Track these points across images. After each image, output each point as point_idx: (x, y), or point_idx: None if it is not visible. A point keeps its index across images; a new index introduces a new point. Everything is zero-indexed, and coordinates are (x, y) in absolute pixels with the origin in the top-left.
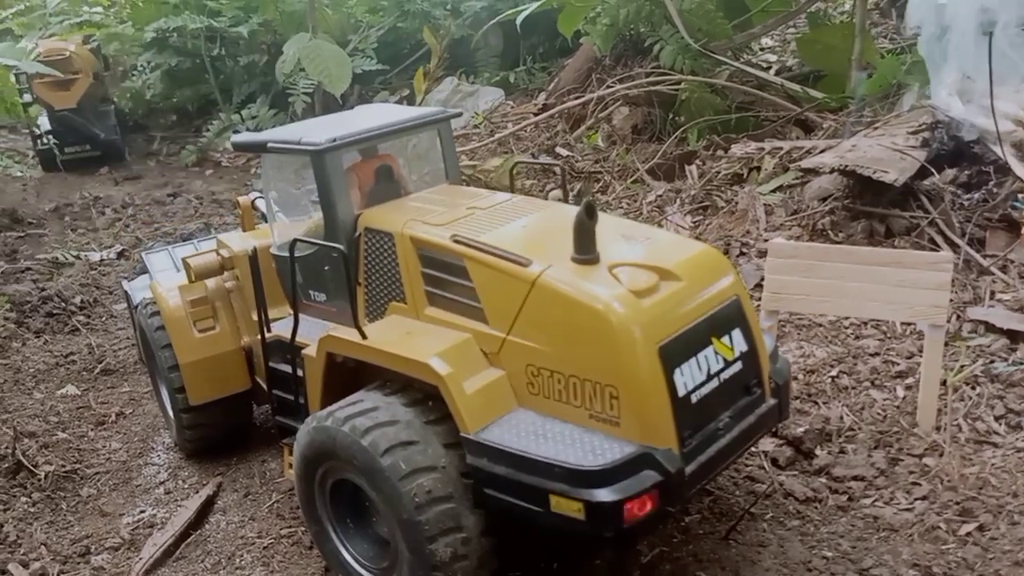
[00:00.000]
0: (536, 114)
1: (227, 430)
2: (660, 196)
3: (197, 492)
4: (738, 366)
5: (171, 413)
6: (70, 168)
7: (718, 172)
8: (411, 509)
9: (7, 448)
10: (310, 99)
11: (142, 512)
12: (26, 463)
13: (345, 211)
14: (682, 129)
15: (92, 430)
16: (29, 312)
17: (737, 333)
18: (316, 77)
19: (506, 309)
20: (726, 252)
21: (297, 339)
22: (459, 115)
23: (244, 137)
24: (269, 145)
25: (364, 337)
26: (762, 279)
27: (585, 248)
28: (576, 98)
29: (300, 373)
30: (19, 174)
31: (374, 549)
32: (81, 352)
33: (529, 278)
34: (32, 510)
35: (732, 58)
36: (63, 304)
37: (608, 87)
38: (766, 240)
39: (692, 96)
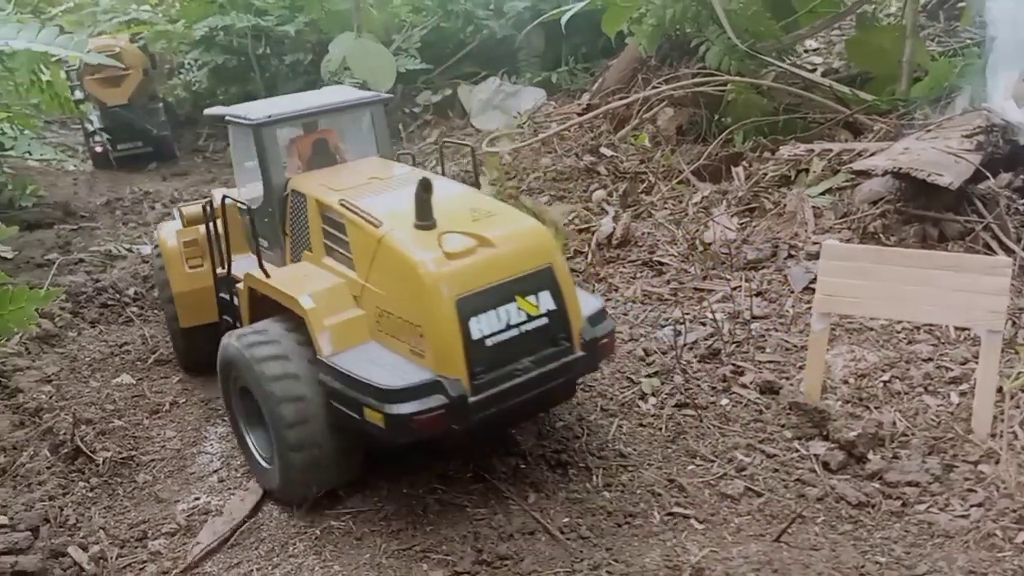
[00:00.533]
0: (580, 114)
1: (210, 354)
2: (706, 197)
3: (249, 480)
4: (543, 321)
5: (171, 336)
6: (122, 165)
7: (765, 174)
8: (275, 405)
9: (66, 434)
10: (394, 95)
11: (196, 499)
12: (84, 449)
13: (278, 175)
14: (728, 131)
15: (147, 418)
16: (84, 303)
17: (545, 294)
18: (361, 76)
19: (365, 261)
20: (774, 254)
21: (235, 275)
22: (390, 99)
23: (213, 110)
24: (226, 118)
25: (267, 276)
26: (812, 281)
27: (423, 216)
28: (620, 98)
29: (236, 302)
30: (72, 168)
31: (264, 439)
32: (135, 342)
33: (377, 236)
34: (90, 495)
35: (777, 59)
36: (117, 295)
37: (654, 88)
38: (815, 243)
39: (739, 97)
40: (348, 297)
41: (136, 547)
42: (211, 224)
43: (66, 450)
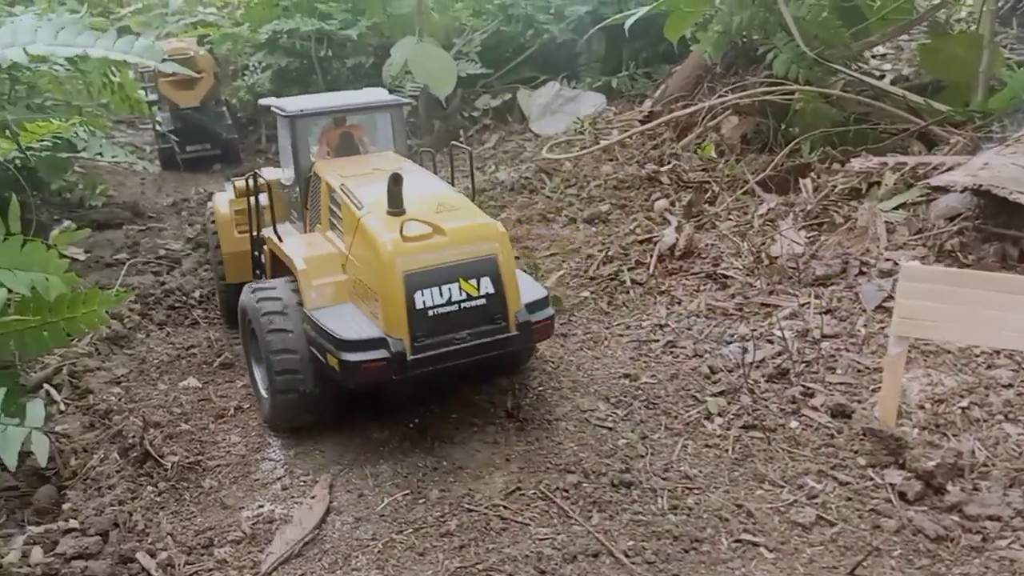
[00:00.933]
0: (642, 121)
1: None
2: (772, 209)
3: (312, 488)
4: (482, 301)
5: (217, 290)
6: (189, 166)
7: (834, 186)
8: (270, 350)
9: (135, 437)
10: (415, 101)
11: (261, 507)
12: (153, 453)
13: (305, 159)
14: (795, 140)
15: (212, 422)
16: (152, 304)
17: (486, 280)
18: (422, 80)
19: (350, 236)
20: (844, 271)
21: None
22: (408, 104)
23: (265, 101)
24: (271, 108)
25: (280, 240)
26: (885, 300)
27: (394, 204)
28: (684, 106)
29: (263, 259)
30: (139, 169)
31: (262, 374)
32: (201, 345)
33: (357, 217)
34: (158, 499)
35: (846, 67)
36: (183, 298)
37: (720, 96)
38: (888, 260)
39: (807, 106)
40: (336, 265)
41: (203, 555)
42: (252, 196)
43: (135, 454)
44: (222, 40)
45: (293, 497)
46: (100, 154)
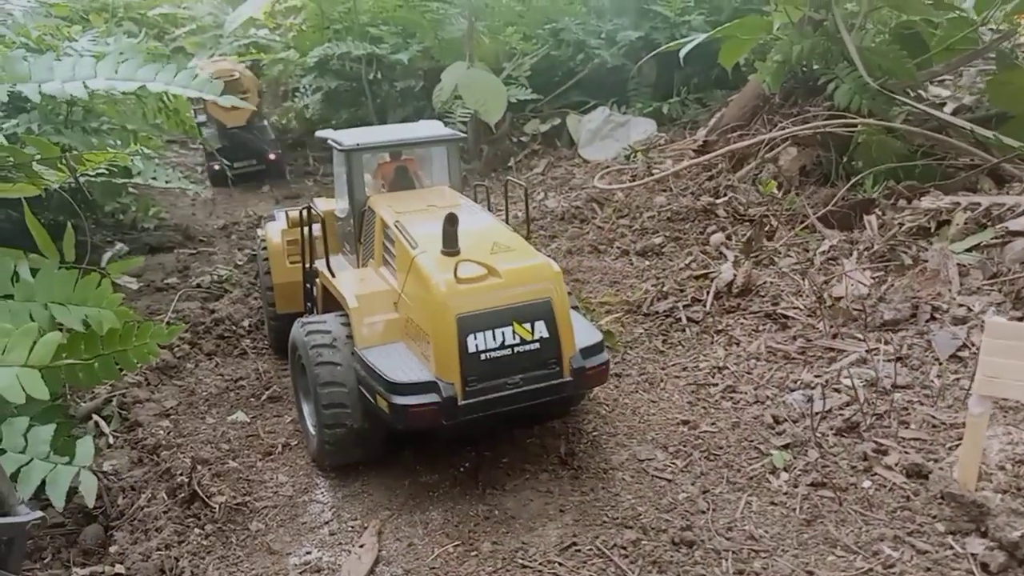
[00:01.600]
0: (696, 152)
1: None
2: (834, 247)
3: (360, 535)
4: (535, 346)
5: (266, 320)
6: (237, 182)
7: (901, 224)
8: (318, 383)
9: (183, 476)
10: (464, 127)
11: (308, 553)
12: (200, 493)
13: (360, 193)
14: (859, 175)
15: (260, 460)
16: (202, 333)
17: (540, 324)
18: (472, 106)
19: (403, 274)
20: (914, 315)
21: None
22: (464, 139)
23: (321, 133)
24: (328, 142)
25: (332, 275)
26: (959, 349)
27: (448, 244)
28: (740, 136)
29: (315, 292)
30: (190, 190)
31: (311, 409)
32: (249, 377)
33: (412, 256)
34: (205, 543)
35: (910, 98)
36: (233, 327)
37: (780, 127)
38: (961, 305)
39: (871, 139)
40: (388, 303)
41: None
42: (306, 227)
43: (183, 494)
44: (273, 63)
45: (341, 544)
46: (154, 178)
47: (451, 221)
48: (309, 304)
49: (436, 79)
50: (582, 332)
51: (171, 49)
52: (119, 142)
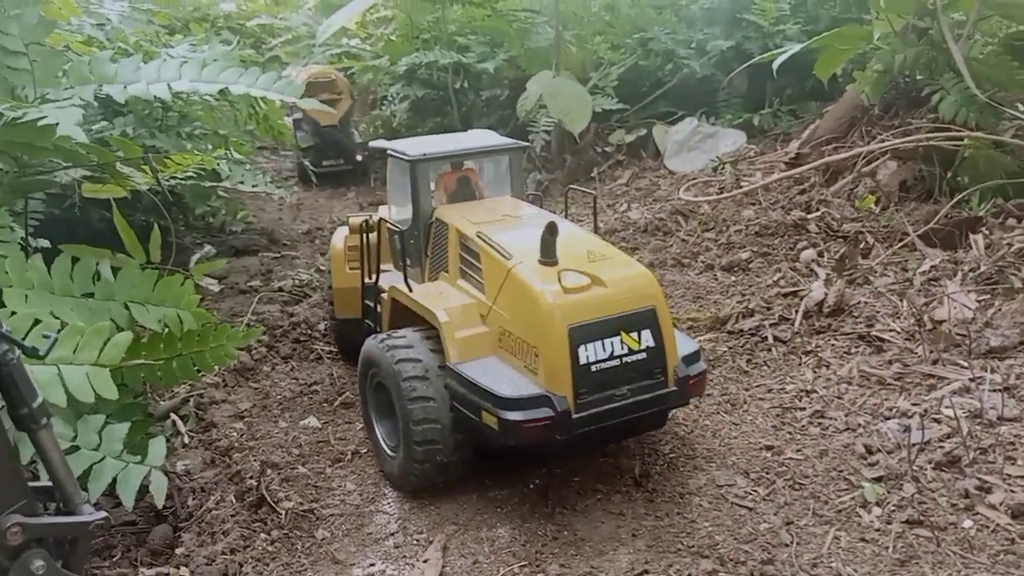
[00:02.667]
0: (788, 164)
1: (353, 342)
2: (936, 267)
3: (425, 549)
4: (642, 355)
5: (330, 324)
6: (324, 179)
7: (1010, 244)
8: (412, 419)
9: (252, 479)
10: (548, 136)
11: (372, 565)
12: (268, 498)
13: (426, 204)
14: (965, 192)
15: (329, 467)
16: (280, 337)
17: (646, 332)
18: (556, 115)
19: (494, 287)
20: (1022, 343)
21: (381, 285)
22: (528, 147)
23: (376, 144)
24: (388, 152)
25: (410, 290)
26: None
27: (547, 254)
28: (836, 149)
29: (379, 309)
30: (276, 194)
31: (391, 430)
32: (323, 382)
33: (507, 268)
34: (270, 549)
35: (1018, 111)
36: (309, 331)
37: (882, 139)
38: None
39: (978, 154)
40: (476, 316)
41: None
42: (366, 237)
43: (251, 498)
44: (363, 71)
45: (405, 557)
46: (242, 182)
47: (551, 231)
48: (368, 322)
49: (521, 88)
50: (681, 342)
51: (267, 59)
52: (211, 147)
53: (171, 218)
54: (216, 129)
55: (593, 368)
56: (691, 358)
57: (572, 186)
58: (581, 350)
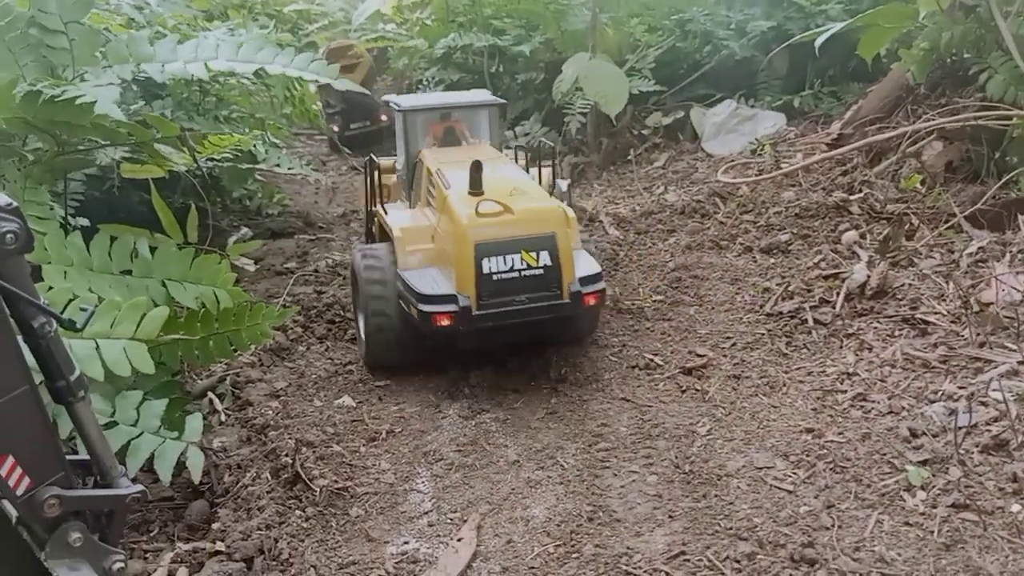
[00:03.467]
0: (830, 145)
1: None
2: (983, 248)
3: (459, 528)
4: (540, 271)
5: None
6: (351, 143)
7: None
8: (366, 298)
9: (288, 456)
10: (584, 118)
11: (406, 543)
12: (303, 476)
13: (413, 147)
14: (1014, 173)
15: (364, 446)
16: (314, 317)
17: (544, 253)
18: (593, 97)
19: (438, 211)
20: None
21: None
22: (504, 104)
23: (386, 97)
24: (390, 104)
25: (385, 213)
26: None
27: (474, 186)
28: (880, 129)
29: (373, 229)
30: (315, 176)
31: (363, 318)
32: (358, 362)
33: (445, 195)
34: (305, 526)
35: None
36: (342, 311)
37: (928, 119)
38: None
39: None
40: (427, 235)
41: None
42: (370, 174)
43: (286, 475)
44: (399, 55)
45: (439, 535)
46: (278, 165)
47: (476, 167)
48: (370, 240)
49: (557, 71)
50: (585, 265)
51: (303, 44)
52: (248, 130)
53: (209, 200)
54: (253, 112)
55: (494, 277)
56: (591, 279)
57: (543, 139)
58: (484, 261)
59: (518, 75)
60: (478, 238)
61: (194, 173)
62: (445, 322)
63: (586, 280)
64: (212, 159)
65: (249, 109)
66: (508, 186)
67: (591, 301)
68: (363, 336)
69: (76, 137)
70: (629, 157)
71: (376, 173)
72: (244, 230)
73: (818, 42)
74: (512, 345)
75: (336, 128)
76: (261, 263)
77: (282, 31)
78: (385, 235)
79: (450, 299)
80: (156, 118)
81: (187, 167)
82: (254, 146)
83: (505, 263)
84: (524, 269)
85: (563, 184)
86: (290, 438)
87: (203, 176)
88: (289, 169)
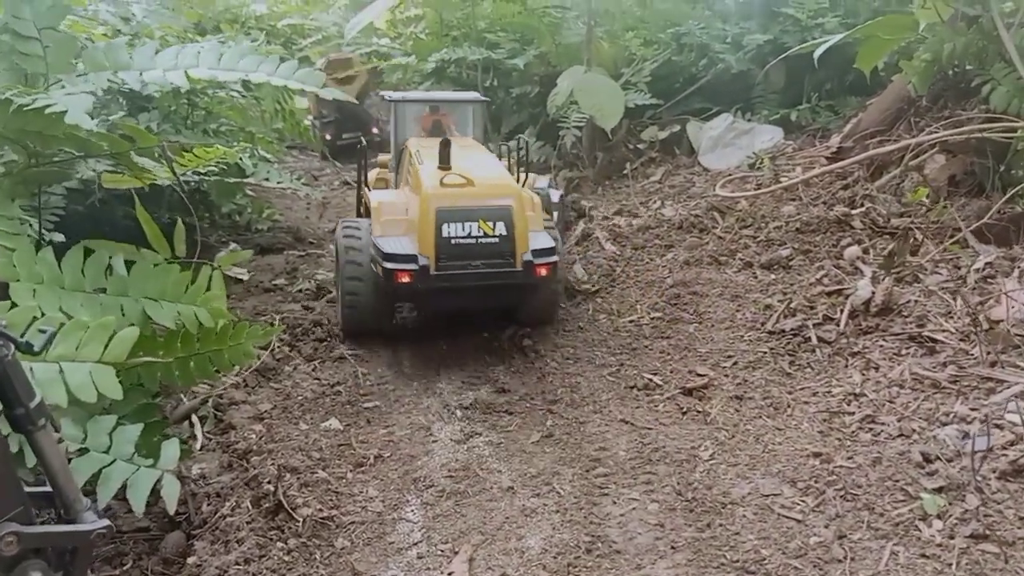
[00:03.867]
0: (829, 159)
1: None
2: (990, 264)
3: (450, 561)
4: (495, 240)
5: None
6: (341, 153)
7: None
8: (343, 264)
9: (270, 484)
10: (579, 132)
11: None
12: (286, 504)
13: (401, 136)
14: (1021, 187)
15: (351, 471)
16: (301, 335)
17: (500, 223)
18: (588, 111)
19: (412, 185)
20: None
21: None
22: (487, 101)
23: (383, 92)
24: (384, 97)
25: (369, 191)
26: None
27: (443, 161)
28: (881, 141)
29: (361, 210)
30: (305, 191)
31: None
32: (346, 382)
33: (417, 169)
34: (287, 559)
35: None
36: (331, 329)
37: (931, 131)
38: None
39: None
40: (402, 208)
41: None
42: (361, 161)
43: (268, 504)
44: (392, 70)
45: (429, 568)
46: (267, 179)
47: (445, 144)
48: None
49: (551, 85)
50: (540, 240)
51: (297, 59)
52: (237, 142)
53: (197, 216)
54: (243, 126)
55: (452, 241)
56: (544, 252)
57: (520, 136)
58: (444, 227)
59: (512, 89)
60: (439, 204)
61: (180, 187)
62: (405, 279)
63: (539, 252)
64: (198, 172)
65: (239, 123)
66: (475, 166)
67: (543, 272)
68: (339, 303)
69: (49, 148)
70: (625, 171)
71: (365, 158)
72: (232, 246)
73: (817, 53)
74: (468, 312)
75: (329, 137)
76: (249, 280)
77: (275, 45)
78: (368, 212)
79: (411, 259)
80: (132, 127)
81: (171, 181)
82: (241, 159)
83: (463, 229)
84: (481, 237)
85: (555, 194)
86: (273, 464)
87: (189, 191)
88: (279, 183)
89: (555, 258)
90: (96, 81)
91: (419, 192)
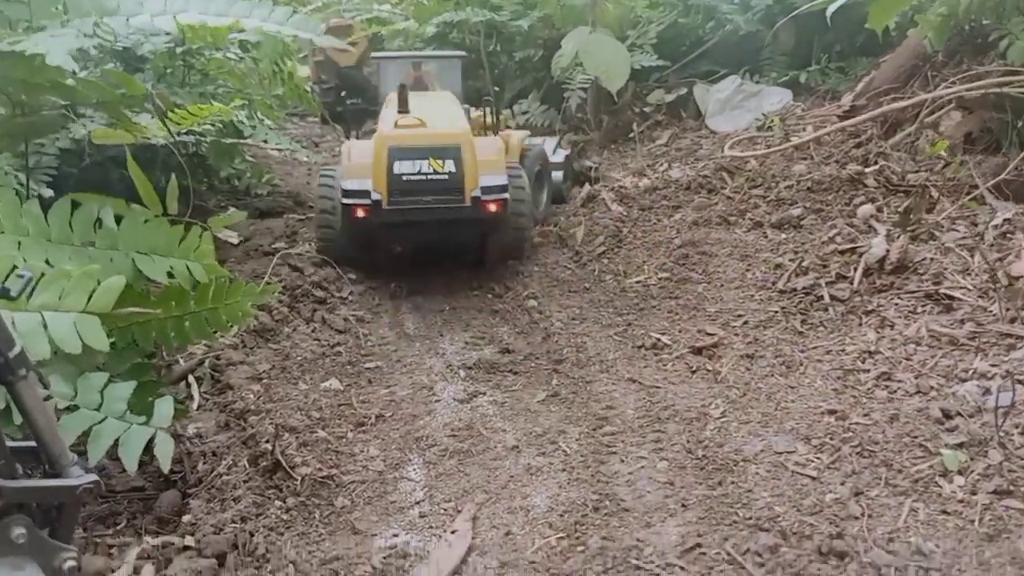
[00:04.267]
0: (842, 117)
1: None
2: (1009, 220)
3: (453, 519)
4: (444, 177)
5: None
6: (343, 120)
7: None
8: (317, 206)
9: (268, 443)
10: (584, 95)
11: (395, 536)
12: (284, 463)
13: (386, 88)
14: None
15: (351, 431)
16: (300, 296)
17: (450, 161)
18: (593, 72)
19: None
20: None
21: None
22: (463, 56)
23: (375, 55)
24: (371, 57)
25: (348, 139)
26: None
27: (401, 107)
28: (895, 99)
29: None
30: (305, 153)
31: None
32: (347, 343)
33: (381, 115)
34: (285, 518)
35: None
36: (331, 292)
37: (947, 86)
38: None
39: None
40: (369, 153)
41: None
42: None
43: (266, 463)
44: (393, 35)
45: (431, 527)
46: (265, 141)
47: (402, 89)
48: None
49: (556, 48)
50: (492, 178)
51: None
52: (229, 103)
53: (195, 180)
54: (241, 89)
55: (403, 178)
56: (494, 189)
57: (487, 97)
58: (396, 164)
59: (515, 53)
60: (392, 143)
61: (175, 148)
62: (360, 213)
63: (489, 189)
64: (194, 132)
65: (237, 85)
66: (434, 111)
67: (492, 207)
68: (315, 236)
69: (34, 98)
70: (631, 134)
71: (353, 117)
72: (231, 210)
73: (830, 10)
74: (425, 246)
75: (329, 101)
76: (249, 243)
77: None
78: None
79: (365, 195)
80: (119, 74)
81: (166, 139)
82: (237, 118)
83: (414, 167)
84: (431, 174)
85: (561, 154)
86: (271, 423)
87: (186, 154)
88: (276, 145)
89: (506, 195)
90: (81, 27)
91: (376, 133)
